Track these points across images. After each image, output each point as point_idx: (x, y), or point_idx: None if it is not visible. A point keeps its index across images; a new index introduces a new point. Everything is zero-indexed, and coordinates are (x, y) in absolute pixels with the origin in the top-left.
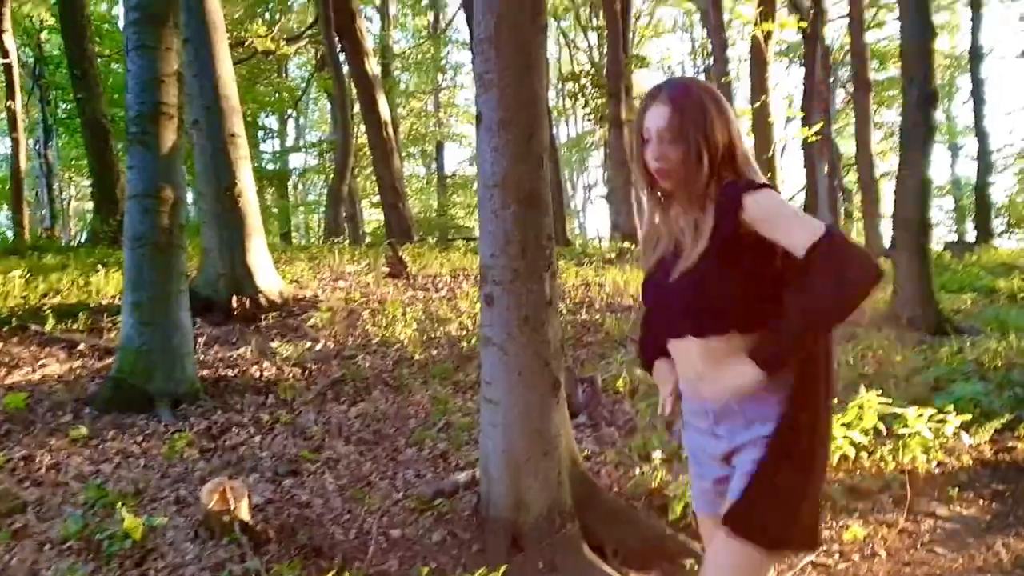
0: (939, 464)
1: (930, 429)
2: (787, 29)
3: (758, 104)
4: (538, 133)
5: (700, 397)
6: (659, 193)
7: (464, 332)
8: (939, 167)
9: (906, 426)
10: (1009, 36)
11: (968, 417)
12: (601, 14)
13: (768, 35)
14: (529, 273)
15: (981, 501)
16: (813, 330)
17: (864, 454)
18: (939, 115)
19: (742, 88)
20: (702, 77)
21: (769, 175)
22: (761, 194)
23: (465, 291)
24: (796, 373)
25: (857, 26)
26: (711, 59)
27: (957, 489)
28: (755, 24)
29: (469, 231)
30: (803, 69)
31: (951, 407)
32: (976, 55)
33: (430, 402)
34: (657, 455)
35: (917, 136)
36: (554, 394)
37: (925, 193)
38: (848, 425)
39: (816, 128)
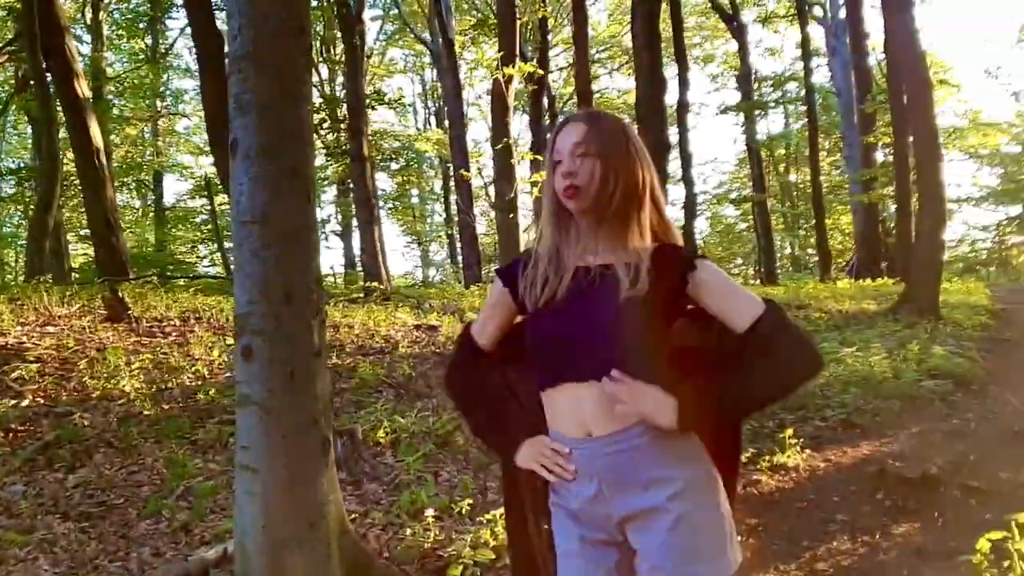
0: None
1: None
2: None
3: (501, 146)
4: (304, 163)
5: (587, 459)
6: (565, 225)
7: (201, 382)
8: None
9: None
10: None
11: None
12: (332, 47)
13: (510, 79)
14: (295, 321)
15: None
16: (755, 406)
17: None
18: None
19: (478, 129)
20: (433, 119)
21: (512, 216)
22: (711, 263)
23: (199, 336)
24: (707, 441)
25: (584, 72)
26: (441, 101)
27: None
28: (497, 68)
29: (191, 268)
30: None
31: None
32: (683, 109)
33: (165, 465)
34: (429, 513)
35: None
36: (323, 456)
37: None
38: None
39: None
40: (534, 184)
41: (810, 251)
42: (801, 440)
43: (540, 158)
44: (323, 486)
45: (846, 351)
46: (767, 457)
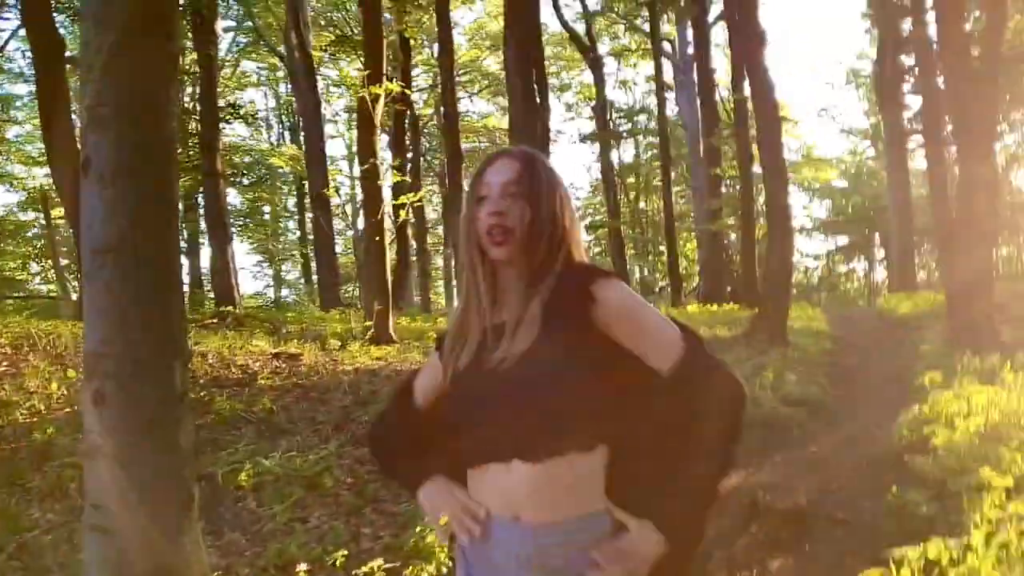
0: None
1: None
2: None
3: (368, 167)
4: (168, 186)
5: (511, 542)
6: (480, 274)
7: (37, 419)
8: None
9: None
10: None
11: None
12: (183, 58)
13: (376, 98)
14: (156, 363)
15: None
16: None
17: None
18: None
19: (335, 146)
20: (287, 135)
21: (379, 238)
22: (615, 285)
23: (34, 365)
24: None
25: (451, 97)
26: (296, 116)
27: None
28: (363, 86)
29: (21, 286)
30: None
31: None
32: (545, 136)
33: None
34: (302, 567)
35: None
36: (186, 512)
37: None
38: None
39: (419, 195)
40: (400, 207)
41: (657, 275)
42: None
43: (407, 180)
44: (187, 547)
45: None
46: None
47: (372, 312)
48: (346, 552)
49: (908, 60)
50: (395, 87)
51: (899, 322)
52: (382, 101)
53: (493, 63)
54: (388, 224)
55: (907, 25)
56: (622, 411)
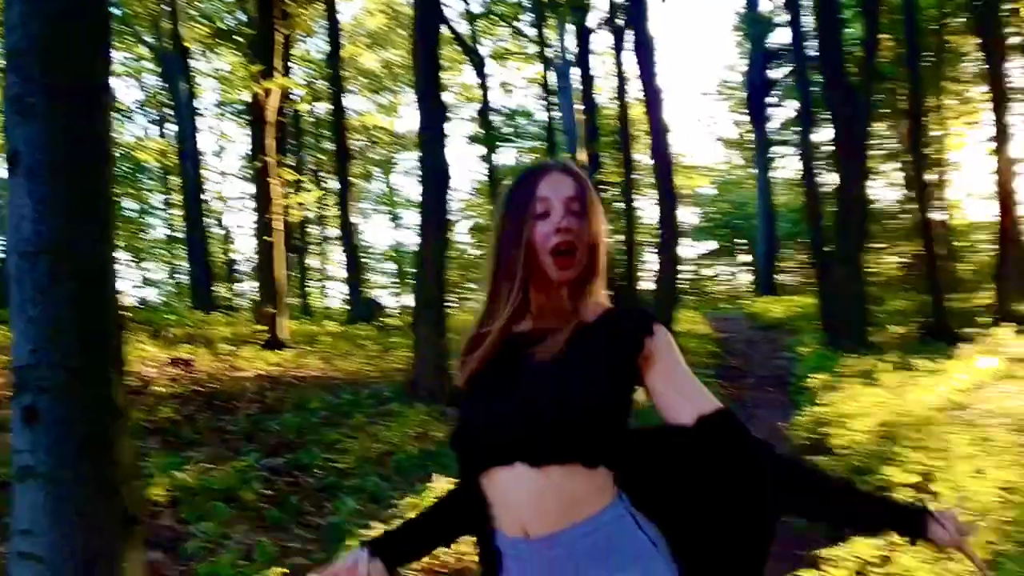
0: None
1: None
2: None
3: (260, 164)
4: (104, 183)
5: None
6: (527, 289)
7: None
8: (383, 233)
9: None
10: None
11: None
12: None
13: (268, 93)
14: (92, 374)
15: None
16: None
17: None
18: (383, 187)
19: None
20: (155, 128)
21: (270, 238)
22: (667, 333)
23: None
24: None
25: (339, 94)
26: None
27: None
28: (256, 81)
29: None
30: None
31: None
32: None
33: None
34: None
35: (436, 215)
36: (128, 535)
37: (442, 269)
38: None
39: (319, 194)
40: (293, 206)
41: None
42: None
43: (302, 178)
44: (128, 573)
45: None
46: None
47: (263, 315)
48: (286, 571)
49: (775, 72)
50: (291, 83)
51: (773, 325)
52: (276, 97)
53: (371, 60)
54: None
55: (776, 38)
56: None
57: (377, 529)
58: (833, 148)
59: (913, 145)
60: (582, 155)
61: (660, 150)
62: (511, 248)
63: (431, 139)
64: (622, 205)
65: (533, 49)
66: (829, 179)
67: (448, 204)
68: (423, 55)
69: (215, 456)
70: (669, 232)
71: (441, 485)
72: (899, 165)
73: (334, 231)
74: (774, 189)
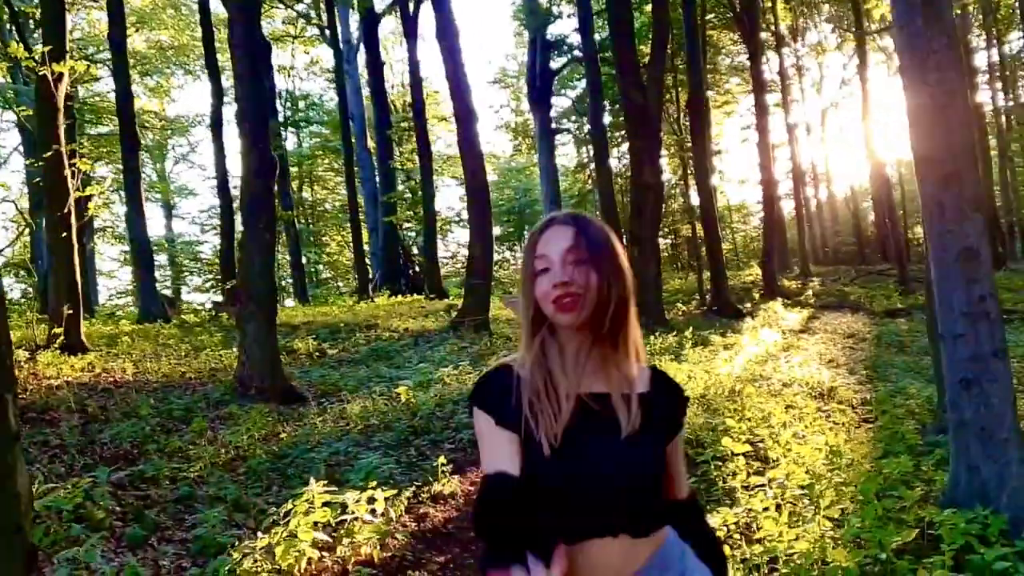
0: (383, 547)
1: (369, 511)
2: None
3: (51, 155)
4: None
5: None
6: (549, 343)
7: None
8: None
9: (348, 513)
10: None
11: (392, 492)
12: None
13: (60, 77)
14: None
15: None
16: None
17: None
18: (154, 176)
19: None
20: None
21: (66, 235)
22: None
23: None
24: None
25: (125, 75)
26: None
27: (411, 572)
28: (43, 63)
29: None
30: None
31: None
32: (218, 123)
33: None
34: None
35: (261, 207)
36: (29, 570)
37: (272, 263)
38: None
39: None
40: (87, 199)
41: (321, 267)
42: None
43: (92, 170)
44: None
45: (443, 371)
46: (425, 488)
47: (60, 317)
48: None
49: (557, 62)
50: (80, 66)
51: None
52: (66, 81)
53: (138, 40)
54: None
55: (555, 28)
56: None
57: (253, 540)
58: (621, 134)
59: (696, 132)
60: (372, 141)
61: (469, 137)
62: (525, 310)
63: (256, 123)
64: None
65: (313, 32)
66: (615, 165)
67: (274, 195)
68: (243, 27)
69: (50, 473)
70: (480, 215)
71: (316, 490)
72: (671, 151)
73: (102, 223)
74: (555, 175)
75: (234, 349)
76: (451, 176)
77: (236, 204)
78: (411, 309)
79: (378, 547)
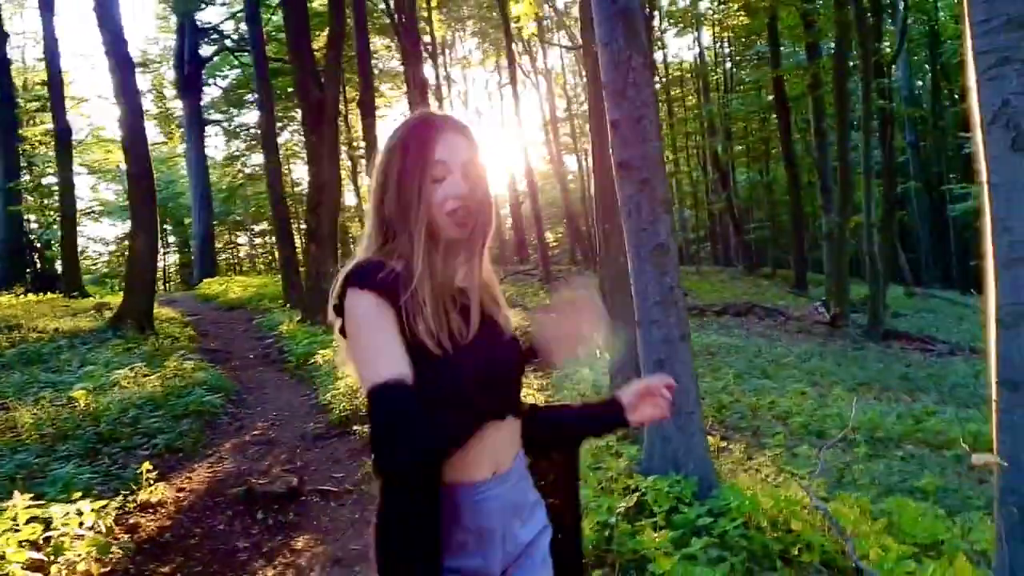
0: (100, 561)
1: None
2: None
3: None
4: None
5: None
6: (434, 248)
7: None
8: None
9: (53, 528)
10: None
11: (100, 504)
12: None
13: None
14: None
15: None
16: None
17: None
18: None
19: None
20: None
21: None
22: None
23: None
24: None
25: None
26: None
27: None
28: None
29: None
30: None
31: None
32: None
33: None
34: None
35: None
36: None
37: None
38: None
39: None
40: None
41: None
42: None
43: None
44: None
45: (118, 374)
46: (131, 498)
47: None
48: None
49: (206, 49)
50: None
51: (236, 305)
52: None
53: None
54: None
55: (205, 15)
56: None
57: None
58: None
59: (368, 131)
60: None
61: (135, 127)
62: (410, 203)
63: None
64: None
65: None
66: (255, 160)
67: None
68: None
69: None
70: (143, 208)
71: (20, 505)
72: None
73: None
74: (204, 167)
75: None
76: (81, 164)
77: None
78: (53, 308)
79: (94, 562)
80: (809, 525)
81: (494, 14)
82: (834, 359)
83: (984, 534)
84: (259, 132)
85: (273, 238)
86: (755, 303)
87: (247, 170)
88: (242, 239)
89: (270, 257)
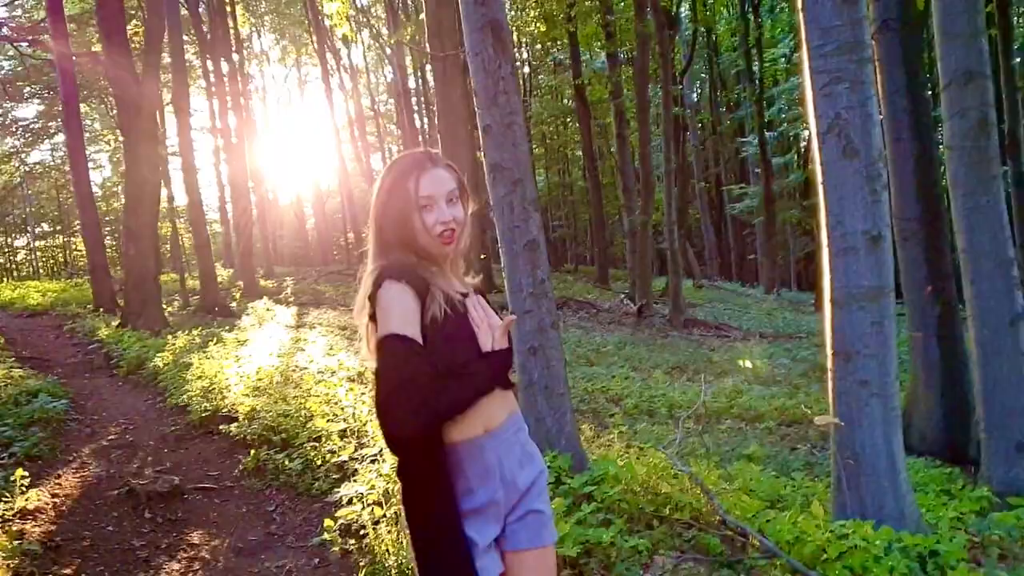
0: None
1: None
2: None
3: None
4: None
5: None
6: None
7: None
8: None
9: None
10: None
11: None
12: None
13: None
14: None
15: None
16: None
17: None
18: None
19: None
20: None
21: None
22: None
23: None
24: None
25: None
26: None
27: None
28: None
29: None
30: None
31: None
32: None
33: None
34: None
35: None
36: None
37: None
38: None
39: None
40: None
41: None
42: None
43: None
44: None
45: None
46: (9, 505)
47: None
48: None
49: None
50: None
51: (38, 311)
52: None
53: None
54: None
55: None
56: None
57: None
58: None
59: (183, 128)
60: None
61: None
62: (405, 231)
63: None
64: None
65: None
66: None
67: None
68: None
69: None
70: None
71: None
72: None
73: None
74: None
75: None
76: None
77: None
78: None
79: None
80: (676, 488)
81: (291, 10)
82: (646, 346)
83: (811, 489)
84: (38, 127)
85: (59, 240)
86: (568, 297)
87: (26, 168)
88: (20, 241)
89: (53, 261)
